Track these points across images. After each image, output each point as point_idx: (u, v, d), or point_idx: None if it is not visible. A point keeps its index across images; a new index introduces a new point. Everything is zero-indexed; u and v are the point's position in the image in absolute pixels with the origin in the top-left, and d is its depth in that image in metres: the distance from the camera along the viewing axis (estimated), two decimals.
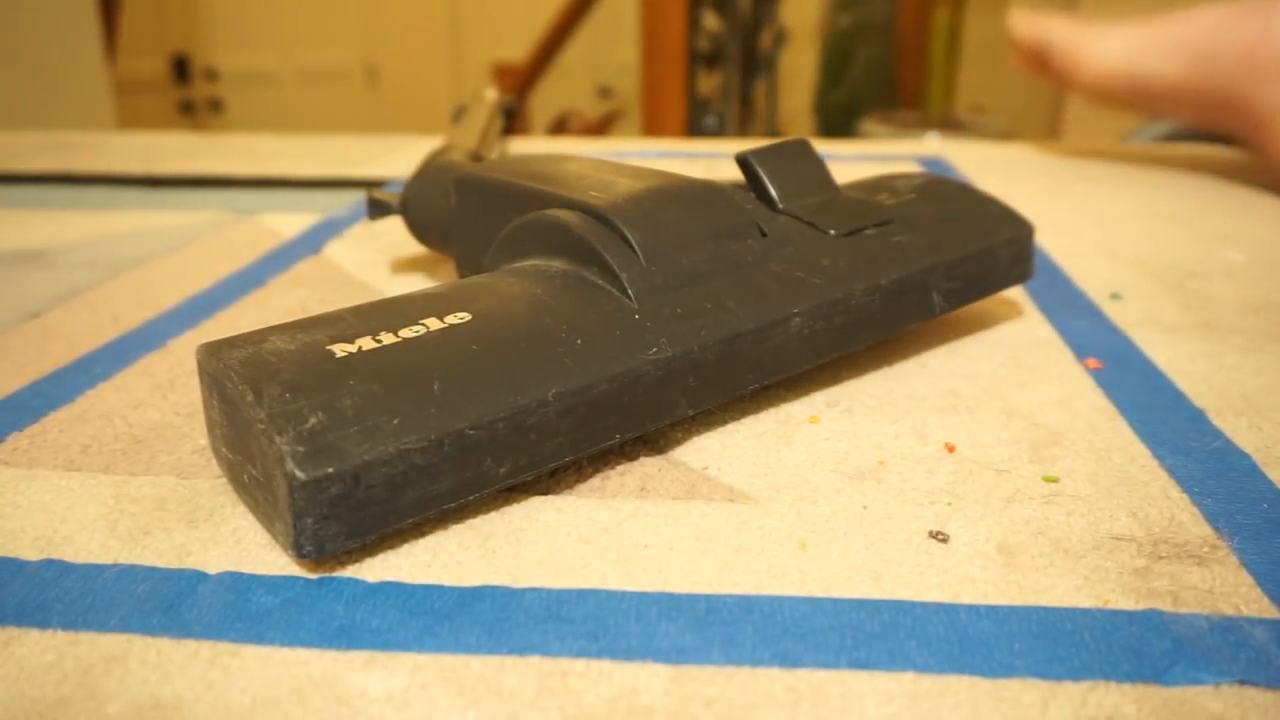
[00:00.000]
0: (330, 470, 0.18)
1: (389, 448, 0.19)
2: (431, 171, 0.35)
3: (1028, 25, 0.56)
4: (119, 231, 0.45)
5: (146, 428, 0.26)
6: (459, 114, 0.52)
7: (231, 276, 0.38)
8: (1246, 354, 0.30)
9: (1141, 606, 0.18)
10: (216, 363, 0.20)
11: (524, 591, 0.19)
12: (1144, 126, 0.68)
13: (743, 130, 1.93)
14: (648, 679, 0.17)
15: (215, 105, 2.24)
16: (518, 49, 2.07)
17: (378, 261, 0.40)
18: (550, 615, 0.18)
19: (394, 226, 0.45)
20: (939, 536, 0.20)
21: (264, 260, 0.40)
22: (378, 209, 0.37)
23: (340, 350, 0.21)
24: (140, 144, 0.67)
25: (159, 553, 0.20)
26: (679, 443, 0.25)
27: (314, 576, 0.19)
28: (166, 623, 0.18)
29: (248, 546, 0.20)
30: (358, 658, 0.17)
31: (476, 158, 0.39)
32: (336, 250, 0.42)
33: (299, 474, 0.18)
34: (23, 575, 0.19)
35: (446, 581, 0.19)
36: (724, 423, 0.25)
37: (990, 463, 0.23)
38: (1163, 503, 0.22)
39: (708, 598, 0.19)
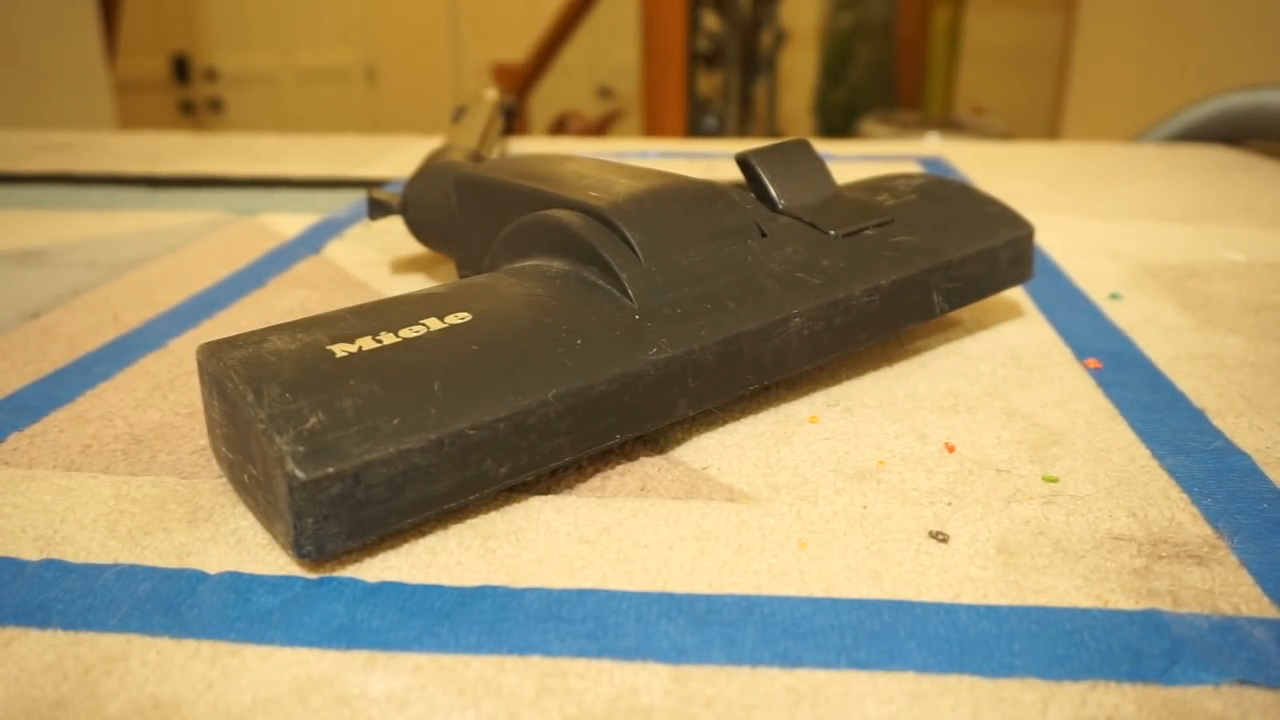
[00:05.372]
0: (330, 470, 0.18)
1: (389, 448, 0.19)
2: (431, 172, 0.35)
3: None
4: (119, 231, 0.45)
5: (146, 428, 0.26)
6: (459, 114, 0.52)
7: (231, 276, 0.38)
8: (1246, 354, 0.30)
9: (1141, 606, 0.18)
10: (216, 363, 0.20)
11: (524, 591, 0.19)
12: (1152, 127, 0.68)
13: (743, 130, 1.93)
14: (648, 679, 0.17)
15: (215, 105, 2.24)
16: (518, 49, 2.07)
17: (378, 261, 0.40)
18: (550, 615, 0.18)
19: (394, 226, 0.45)
20: (939, 536, 0.20)
21: (264, 260, 0.40)
22: (378, 209, 0.37)
23: (340, 350, 0.21)
24: (140, 144, 0.67)
25: (159, 553, 0.20)
26: (679, 443, 0.25)
27: (314, 576, 0.19)
28: (167, 623, 0.18)
29: (248, 546, 0.20)
30: (358, 658, 0.17)
31: (477, 158, 0.39)
32: (336, 250, 0.42)
33: (299, 474, 0.18)
34: (23, 575, 0.19)
35: (446, 581, 0.19)
36: (724, 423, 0.25)
37: (990, 463, 0.23)
38: (1163, 503, 0.22)
39: (708, 598, 0.19)
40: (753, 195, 0.29)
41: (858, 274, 0.26)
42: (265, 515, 0.20)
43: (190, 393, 0.28)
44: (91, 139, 0.69)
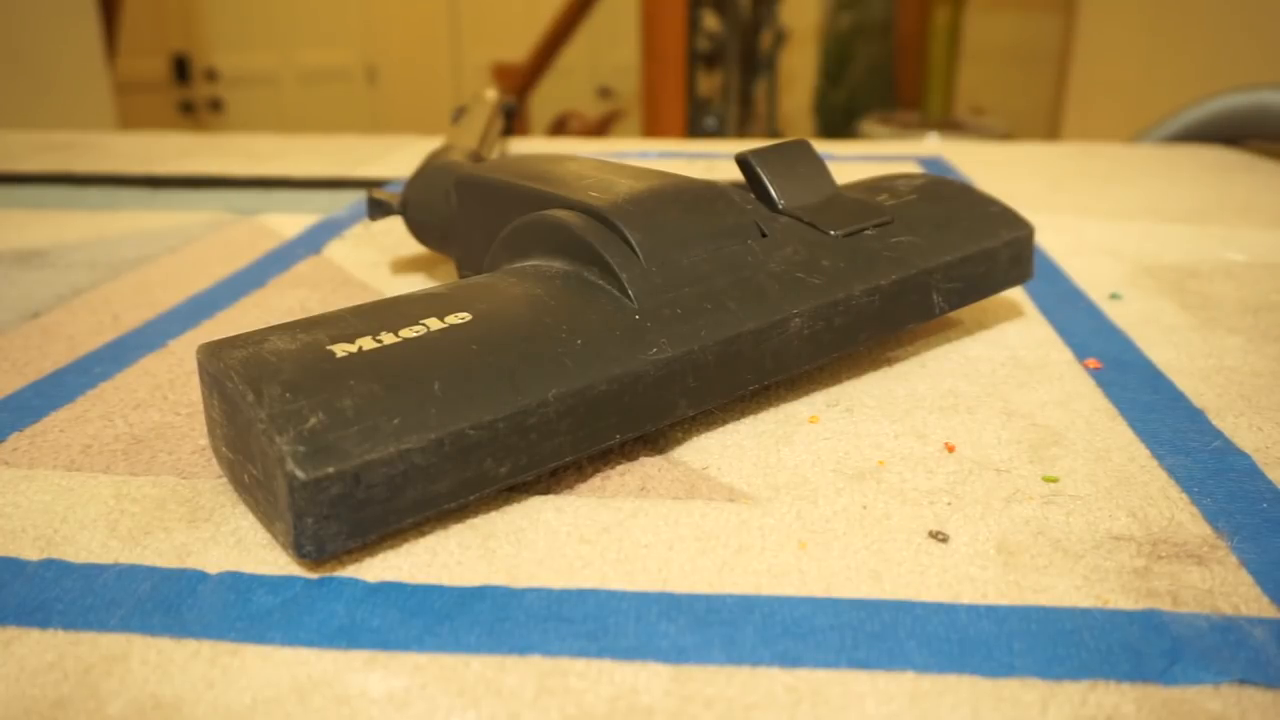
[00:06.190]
0: (330, 470, 0.18)
1: (389, 448, 0.19)
2: (431, 172, 0.35)
3: None
4: (119, 231, 0.45)
5: (147, 428, 0.26)
6: (459, 114, 0.52)
7: (231, 276, 0.38)
8: (1246, 354, 0.30)
9: (1141, 606, 0.18)
10: (217, 363, 0.20)
11: (524, 591, 0.19)
12: (1152, 127, 0.68)
13: (743, 131, 1.93)
14: (648, 679, 0.17)
15: (215, 105, 2.24)
16: (518, 49, 2.07)
17: (378, 261, 0.40)
18: (550, 615, 0.18)
19: (394, 226, 0.45)
20: (939, 536, 0.20)
21: (264, 260, 0.40)
22: (378, 209, 0.37)
23: (340, 350, 0.21)
24: (140, 144, 0.67)
25: (159, 553, 0.20)
26: (679, 443, 0.25)
27: (314, 576, 0.19)
28: (167, 622, 0.18)
29: (248, 546, 0.20)
30: (358, 658, 0.17)
31: (477, 158, 0.39)
32: (336, 250, 0.42)
33: (299, 474, 0.18)
34: (23, 575, 0.19)
35: (446, 581, 0.19)
36: (724, 423, 0.26)
37: (990, 463, 0.23)
38: (1162, 502, 0.22)
39: (708, 598, 0.19)
40: (753, 195, 0.29)
41: (858, 274, 0.26)
42: (265, 515, 0.20)
43: (190, 393, 0.28)
44: (91, 139, 0.69)
